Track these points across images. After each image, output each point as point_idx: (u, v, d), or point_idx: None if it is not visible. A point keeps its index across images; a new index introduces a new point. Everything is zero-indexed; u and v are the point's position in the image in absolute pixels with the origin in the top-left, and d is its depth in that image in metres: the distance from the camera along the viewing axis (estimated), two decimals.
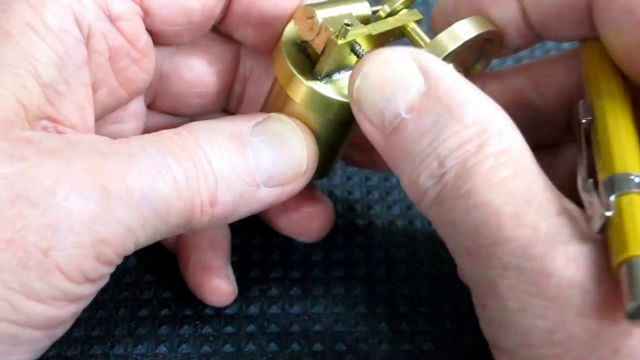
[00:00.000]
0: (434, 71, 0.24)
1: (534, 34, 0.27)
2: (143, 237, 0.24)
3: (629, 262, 0.19)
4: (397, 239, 0.35)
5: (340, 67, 0.28)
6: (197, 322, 0.31)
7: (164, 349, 0.30)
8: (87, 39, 0.25)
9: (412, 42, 0.29)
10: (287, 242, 0.34)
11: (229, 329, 0.31)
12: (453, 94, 0.23)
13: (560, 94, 0.29)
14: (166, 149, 0.25)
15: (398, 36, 0.29)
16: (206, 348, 0.30)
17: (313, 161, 0.28)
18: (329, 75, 0.27)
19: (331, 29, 0.26)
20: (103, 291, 0.25)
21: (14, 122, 0.23)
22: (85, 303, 0.24)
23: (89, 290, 0.23)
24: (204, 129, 0.26)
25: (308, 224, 0.32)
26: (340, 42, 0.26)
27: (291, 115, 0.28)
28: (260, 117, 0.28)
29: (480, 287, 0.23)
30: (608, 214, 0.21)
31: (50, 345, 0.24)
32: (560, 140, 0.31)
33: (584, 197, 0.22)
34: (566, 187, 0.23)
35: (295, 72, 0.27)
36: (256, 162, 0.26)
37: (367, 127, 0.25)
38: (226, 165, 0.26)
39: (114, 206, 0.22)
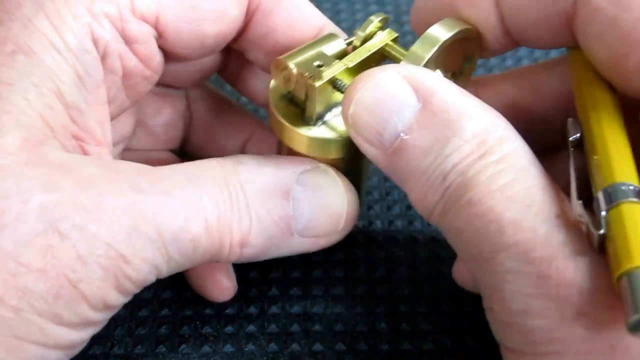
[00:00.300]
0: (427, 85, 0.24)
1: (511, 40, 0.27)
2: (165, 271, 0.24)
3: (629, 274, 0.19)
4: (397, 239, 0.35)
5: (330, 106, 0.28)
6: (197, 322, 0.31)
7: (164, 349, 0.30)
8: (103, 58, 0.26)
9: (394, 61, 0.28)
10: None
11: (229, 329, 0.31)
12: (449, 108, 0.23)
13: (557, 99, 0.29)
14: (205, 187, 0.25)
15: (379, 60, 0.29)
16: (206, 348, 0.30)
17: (351, 220, 0.29)
18: (320, 117, 0.27)
19: (306, 74, 0.26)
20: None
21: (45, 143, 0.23)
22: (101, 326, 0.25)
23: (107, 316, 0.24)
24: (250, 169, 0.26)
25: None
26: (317, 84, 0.26)
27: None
28: (308, 164, 0.28)
29: (487, 291, 0.24)
30: (602, 232, 0.21)
31: None
32: (560, 145, 0.31)
33: (578, 219, 0.22)
34: (568, 190, 0.23)
35: (287, 123, 0.27)
36: (295, 210, 0.26)
37: (368, 149, 0.25)
38: (264, 209, 0.26)
39: (142, 246, 0.23)
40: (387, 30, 0.29)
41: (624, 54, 0.23)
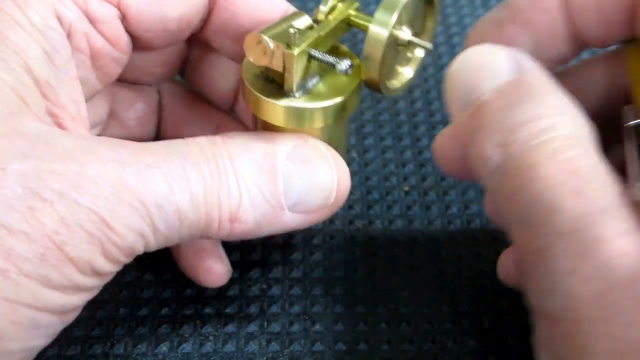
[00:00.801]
0: (526, 65, 0.24)
1: (577, 44, 0.27)
2: (153, 242, 0.24)
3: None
4: (397, 239, 0.35)
5: (307, 77, 0.28)
6: (197, 322, 0.31)
7: (164, 348, 0.30)
8: (69, 36, 0.26)
9: (359, 28, 0.29)
10: (287, 242, 0.34)
11: (229, 328, 0.31)
12: (538, 85, 0.24)
13: (603, 97, 0.29)
14: (192, 160, 0.25)
15: (346, 29, 0.29)
16: (206, 347, 0.30)
17: (342, 195, 0.28)
18: (299, 88, 0.27)
19: (283, 44, 0.26)
20: (103, 290, 0.25)
21: (21, 116, 0.23)
22: (94, 293, 0.25)
23: (98, 283, 0.24)
24: (239, 144, 0.26)
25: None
26: (295, 51, 0.26)
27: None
28: (296, 140, 0.28)
29: (529, 256, 0.23)
30: None
31: (60, 331, 0.25)
32: (607, 143, 0.30)
33: (637, 199, 0.22)
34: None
35: (265, 97, 0.27)
36: (286, 186, 0.27)
37: (453, 107, 0.25)
38: (254, 184, 0.26)
39: (125, 213, 0.23)
40: (347, 1, 0.29)
41: None
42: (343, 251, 0.34)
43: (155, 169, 0.24)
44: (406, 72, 0.31)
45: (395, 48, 0.29)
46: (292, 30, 0.26)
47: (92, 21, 0.26)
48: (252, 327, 0.31)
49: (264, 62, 0.27)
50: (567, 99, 0.24)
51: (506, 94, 0.24)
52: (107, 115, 0.32)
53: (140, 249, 0.24)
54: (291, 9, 0.30)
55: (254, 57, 0.27)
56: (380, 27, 0.27)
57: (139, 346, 0.30)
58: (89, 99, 0.28)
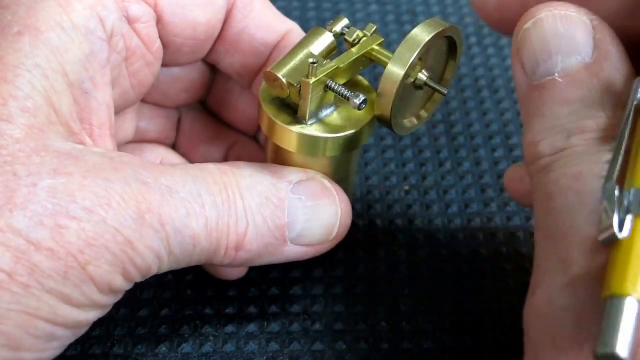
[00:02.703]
0: (606, 48, 0.23)
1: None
2: (166, 264, 0.25)
3: (617, 300, 0.18)
4: (397, 238, 0.35)
5: (322, 106, 0.28)
6: (197, 322, 0.31)
7: (164, 349, 0.30)
8: (110, 39, 0.26)
9: (380, 64, 0.29)
10: None
11: (229, 328, 0.31)
12: (612, 80, 0.23)
13: None
14: (207, 187, 0.26)
15: (367, 63, 0.29)
16: (206, 348, 0.30)
17: (343, 231, 0.29)
18: (312, 116, 0.28)
19: (296, 85, 0.27)
20: None
21: (49, 130, 0.23)
22: (107, 310, 0.25)
23: (112, 300, 0.25)
24: (248, 175, 0.27)
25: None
26: (311, 81, 0.26)
27: (290, 162, 0.29)
28: (304, 175, 0.28)
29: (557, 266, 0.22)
30: (619, 235, 0.19)
31: None
32: None
33: (601, 199, 0.20)
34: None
35: (279, 122, 0.27)
36: (290, 219, 0.27)
37: (518, 70, 0.24)
38: (260, 216, 0.27)
39: (147, 234, 0.24)
40: (373, 35, 0.29)
41: None
42: (343, 250, 0.34)
43: (175, 193, 0.24)
44: (420, 114, 0.31)
45: (412, 88, 0.29)
46: (311, 60, 0.26)
47: (130, 21, 0.27)
48: (252, 327, 0.31)
49: (282, 94, 0.27)
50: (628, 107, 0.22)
51: (575, 83, 0.23)
52: (133, 134, 0.32)
53: (154, 271, 0.25)
54: (295, 28, 0.31)
55: (273, 91, 0.28)
56: (397, 67, 0.27)
57: (139, 346, 0.30)
58: (122, 110, 0.29)
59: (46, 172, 0.22)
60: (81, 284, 0.23)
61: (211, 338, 0.31)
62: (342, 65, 0.28)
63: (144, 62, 0.28)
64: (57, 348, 0.24)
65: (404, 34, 0.45)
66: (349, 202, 0.29)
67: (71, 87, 0.25)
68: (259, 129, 0.34)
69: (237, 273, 0.32)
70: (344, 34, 0.29)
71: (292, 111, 0.28)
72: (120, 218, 0.23)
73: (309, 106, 0.27)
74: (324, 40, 0.29)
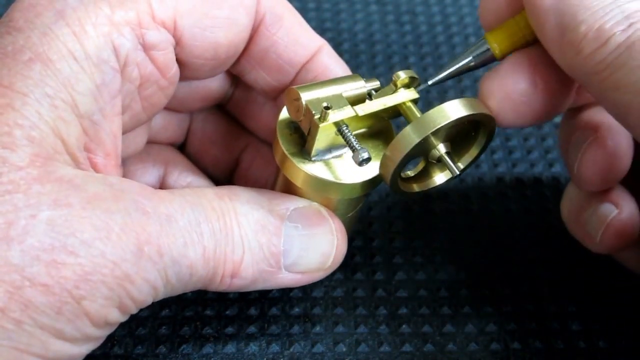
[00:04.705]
0: None
1: None
2: (162, 294, 0.25)
3: None
4: (396, 241, 0.35)
5: (331, 147, 0.27)
6: (198, 323, 0.31)
7: (164, 349, 0.30)
8: (122, 67, 0.25)
9: (407, 120, 0.28)
10: None
11: (230, 329, 0.31)
12: None
13: None
14: (205, 214, 0.25)
15: (392, 115, 0.29)
16: (207, 349, 0.30)
17: (338, 260, 0.29)
18: (318, 155, 0.27)
19: (313, 112, 0.26)
20: None
21: (54, 158, 0.23)
22: (100, 342, 0.25)
23: (106, 333, 0.24)
24: (245, 201, 0.27)
25: None
26: (321, 125, 0.26)
27: (296, 193, 0.28)
28: (301, 202, 0.28)
29: None
30: None
31: None
32: None
33: None
34: None
35: (289, 156, 0.27)
36: (285, 246, 0.27)
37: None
38: (256, 243, 0.26)
39: (145, 267, 0.23)
40: (411, 89, 0.28)
41: None
42: None
43: (174, 222, 0.24)
44: (426, 183, 0.30)
45: (425, 157, 0.28)
46: (325, 104, 0.26)
47: (146, 48, 0.26)
48: (252, 329, 0.31)
49: (295, 117, 0.27)
50: None
51: None
52: (144, 144, 0.32)
53: (150, 301, 0.25)
54: (326, 46, 0.30)
55: (288, 109, 0.27)
56: (413, 134, 0.26)
57: (139, 347, 0.30)
58: (131, 129, 0.28)
59: (46, 202, 0.22)
60: (75, 318, 0.22)
61: (211, 339, 0.31)
62: (361, 114, 0.27)
63: (157, 87, 0.27)
64: None
65: (403, 34, 0.45)
66: (345, 231, 0.29)
67: (80, 118, 0.24)
68: None
69: None
70: (370, 94, 0.28)
71: (303, 140, 0.28)
72: (119, 251, 0.23)
73: (315, 145, 0.27)
74: (358, 87, 0.28)
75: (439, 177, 0.29)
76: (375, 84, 0.29)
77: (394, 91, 0.28)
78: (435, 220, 0.36)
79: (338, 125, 0.27)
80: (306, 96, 0.26)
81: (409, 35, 0.46)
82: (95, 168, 0.25)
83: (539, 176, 0.38)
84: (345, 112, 0.27)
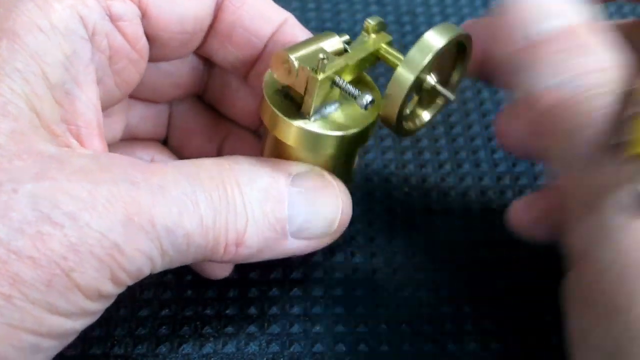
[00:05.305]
0: (580, 11, 0.26)
1: None
2: (160, 265, 0.24)
3: None
4: (397, 241, 0.35)
5: (326, 102, 0.28)
6: (198, 323, 0.31)
7: (164, 349, 0.30)
8: (91, 37, 0.25)
9: (388, 64, 0.29)
10: None
11: (230, 329, 0.31)
12: (592, 36, 0.26)
13: None
14: (201, 184, 0.25)
15: (373, 62, 0.29)
16: (207, 348, 0.30)
17: (344, 224, 0.29)
18: (316, 112, 0.27)
19: (308, 67, 0.26)
20: None
21: (33, 133, 0.23)
22: (97, 316, 0.24)
23: (102, 306, 0.24)
24: (247, 169, 0.26)
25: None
26: (320, 77, 0.26)
27: (288, 155, 0.28)
28: (303, 167, 0.28)
29: (582, 200, 0.25)
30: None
31: None
32: None
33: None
34: None
35: (282, 115, 0.27)
36: (290, 212, 0.27)
37: (502, 32, 0.27)
38: (260, 210, 0.26)
39: (136, 237, 0.23)
40: (382, 33, 0.29)
41: None
42: (343, 252, 0.34)
43: (167, 192, 0.24)
44: (423, 116, 0.31)
45: (417, 90, 0.29)
46: (321, 56, 0.26)
47: (113, 19, 0.26)
48: (252, 328, 0.31)
49: (287, 81, 0.27)
50: (616, 54, 0.25)
51: (564, 39, 0.25)
52: (122, 132, 0.32)
53: (147, 272, 0.24)
54: (291, 18, 0.30)
55: (277, 74, 0.27)
56: (408, 70, 0.26)
57: (139, 347, 0.30)
58: (106, 108, 0.28)
59: (28, 176, 0.22)
60: (66, 291, 0.22)
61: (211, 339, 0.31)
62: (350, 63, 0.27)
63: (128, 60, 0.27)
64: (44, 359, 0.24)
65: (404, 34, 0.45)
66: (349, 194, 0.29)
67: (52, 90, 0.24)
68: (259, 123, 0.33)
69: (221, 272, 0.32)
70: (346, 48, 0.29)
71: (295, 104, 0.28)
72: (106, 222, 0.22)
73: (314, 102, 0.27)
74: (334, 42, 0.28)
75: (435, 107, 0.31)
76: (346, 37, 0.29)
77: (368, 39, 0.29)
78: (435, 219, 0.36)
79: (332, 77, 0.27)
80: (295, 56, 0.26)
81: (409, 35, 0.46)
82: (78, 140, 0.25)
83: (539, 175, 0.38)
84: (338, 62, 0.27)
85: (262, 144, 0.30)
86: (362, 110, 0.28)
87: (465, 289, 0.33)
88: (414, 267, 0.34)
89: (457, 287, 0.33)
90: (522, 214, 0.31)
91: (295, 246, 0.27)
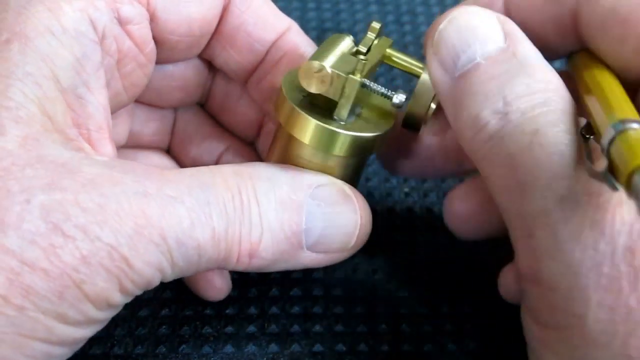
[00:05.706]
0: (516, 34, 0.25)
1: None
2: (170, 276, 0.24)
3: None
4: (397, 241, 0.35)
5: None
6: (197, 323, 0.31)
7: (164, 349, 0.30)
8: (101, 41, 0.25)
9: (398, 68, 0.30)
10: None
11: (229, 329, 0.31)
12: (528, 57, 0.24)
13: None
14: (215, 194, 0.25)
15: (378, 64, 0.30)
16: (206, 348, 0.30)
17: (362, 239, 0.28)
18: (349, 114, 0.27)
19: (343, 73, 0.26)
20: None
21: (45, 138, 0.23)
22: (105, 324, 0.25)
23: (110, 315, 0.24)
24: (266, 178, 0.26)
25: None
26: (359, 78, 0.26)
27: (298, 158, 0.28)
28: (323, 179, 0.27)
29: (527, 219, 0.23)
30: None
31: None
32: None
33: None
34: None
35: (302, 112, 0.27)
36: (307, 225, 0.26)
37: (437, 70, 0.25)
38: (277, 221, 0.26)
39: (145, 250, 0.23)
40: (383, 38, 0.29)
41: (622, 37, 0.24)
42: None
43: (179, 203, 0.24)
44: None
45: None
46: (361, 57, 0.26)
47: (122, 22, 0.26)
48: (252, 328, 0.31)
49: (320, 89, 0.26)
50: (554, 72, 0.24)
51: (497, 62, 0.24)
52: (126, 138, 0.32)
53: (156, 283, 0.24)
54: (294, 25, 0.30)
55: (309, 85, 0.27)
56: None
57: (139, 347, 0.30)
58: (114, 112, 0.28)
59: (40, 186, 0.22)
60: (77, 302, 0.22)
61: (211, 338, 0.31)
62: (373, 63, 0.28)
63: (136, 63, 0.27)
64: None
65: (404, 34, 0.45)
66: (369, 210, 0.28)
67: (64, 93, 0.24)
68: (256, 134, 0.33)
69: (216, 295, 0.32)
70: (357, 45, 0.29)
71: (317, 109, 0.27)
72: (115, 234, 0.22)
73: (349, 104, 0.26)
74: (346, 44, 0.28)
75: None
76: (351, 38, 0.29)
77: (373, 41, 0.29)
78: (435, 220, 0.36)
79: (363, 80, 0.27)
80: (328, 64, 0.26)
81: (409, 35, 0.46)
82: (89, 143, 0.25)
83: None
84: (367, 63, 0.27)
85: (270, 146, 0.30)
86: (377, 116, 0.28)
87: (465, 288, 0.33)
88: (414, 267, 0.34)
89: (457, 286, 0.33)
90: (458, 206, 0.31)
91: (310, 259, 0.27)
